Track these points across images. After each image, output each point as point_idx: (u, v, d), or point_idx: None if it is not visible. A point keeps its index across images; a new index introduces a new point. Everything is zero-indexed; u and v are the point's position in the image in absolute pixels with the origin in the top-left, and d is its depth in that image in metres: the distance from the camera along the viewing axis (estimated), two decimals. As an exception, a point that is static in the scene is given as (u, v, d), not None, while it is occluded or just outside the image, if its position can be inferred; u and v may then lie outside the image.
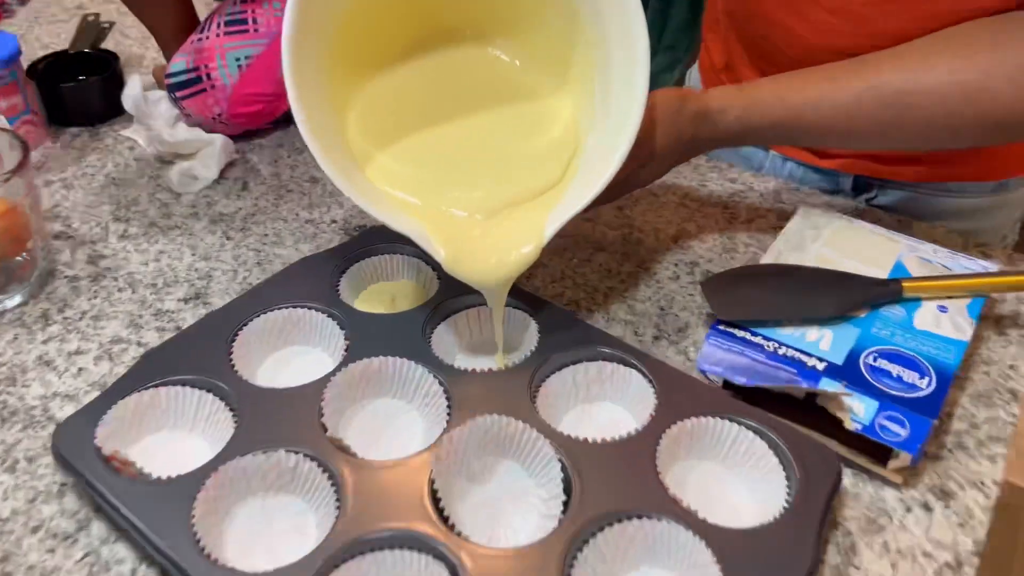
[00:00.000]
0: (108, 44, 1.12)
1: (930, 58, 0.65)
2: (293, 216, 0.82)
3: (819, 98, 0.67)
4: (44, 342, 0.68)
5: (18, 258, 0.71)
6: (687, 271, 0.76)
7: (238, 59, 0.86)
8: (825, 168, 0.89)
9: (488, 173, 0.65)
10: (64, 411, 0.63)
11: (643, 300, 0.73)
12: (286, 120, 0.96)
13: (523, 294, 0.68)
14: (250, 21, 0.87)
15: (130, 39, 1.15)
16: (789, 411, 0.60)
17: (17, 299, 0.72)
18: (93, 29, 0.99)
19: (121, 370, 0.66)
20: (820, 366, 0.61)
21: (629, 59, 0.60)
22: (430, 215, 0.61)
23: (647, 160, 0.67)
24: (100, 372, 0.66)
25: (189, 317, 0.71)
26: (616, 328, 0.70)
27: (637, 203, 0.84)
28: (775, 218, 0.82)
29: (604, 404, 0.63)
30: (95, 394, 0.63)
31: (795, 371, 0.60)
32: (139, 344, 0.68)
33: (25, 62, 0.96)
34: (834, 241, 0.72)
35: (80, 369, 0.66)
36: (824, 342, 0.63)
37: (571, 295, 0.73)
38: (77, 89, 0.93)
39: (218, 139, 0.85)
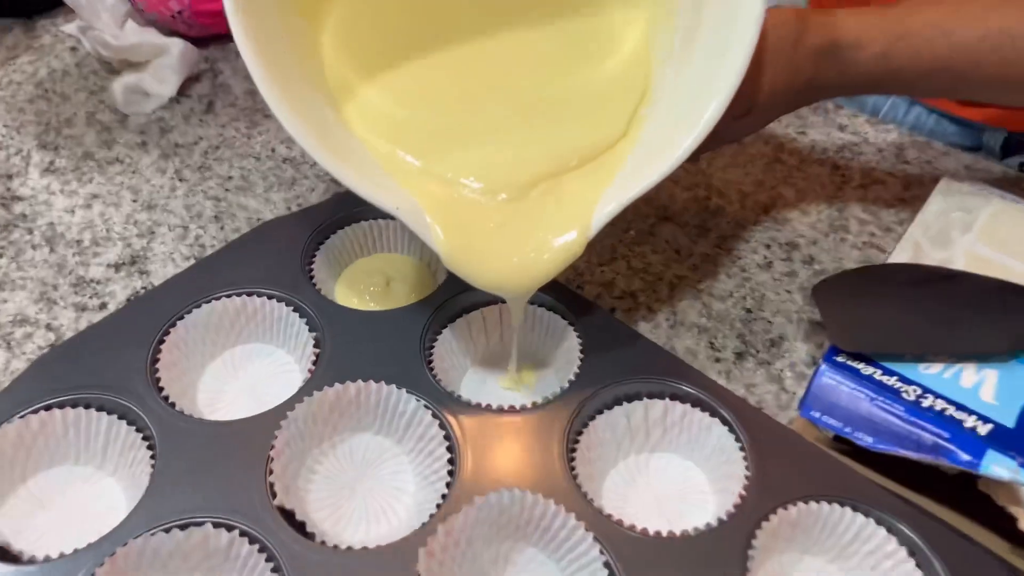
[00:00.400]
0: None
1: None
2: (268, 152, 0.63)
3: (1010, 29, 0.46)
4: (-74, 318, 0.51)
5: None
6: (783, 255, 0.57)
7: None
8: (967, 119, 0.67)
9: (520, 122, 0.46)
10: (-63, 423, 0.46)
11: (723, 296, 0.54)
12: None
13: (559, 289, 0.50)
14: None
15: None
16: (934, 488, 0.43)
17: (-101, 254, 0.55)
18: None
19: (20, 366, 0.49)
20: (983, 429, 0.42)
21: None
22: (430, 188, 0.42)
23: (745, 110, 0.47)
24: (-8, 367, 0.49)
25: (119, 291, 0.53)
26: (686, 337, 0.51)
27: (717, 155, 0.64)
28: (899, 186, 0.62)
29: (667, 456, 0.46)
30: (-18, 400, 0.47)
31: (946, 435, 0.42)
32: (48, 328, 0.51)
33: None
34: (994, 232, 0.52)
35: (-33, 361, 0.49)
36: (986, 390, 0.44)
37: (624, 285, 0.54)
38: (3, -30, 0.73)
39: (176, 45, 0.66)
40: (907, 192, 0.61)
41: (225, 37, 0.74)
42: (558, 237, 0.42)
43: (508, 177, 0.43)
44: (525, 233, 0.42)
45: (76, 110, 0.67)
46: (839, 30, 0.48)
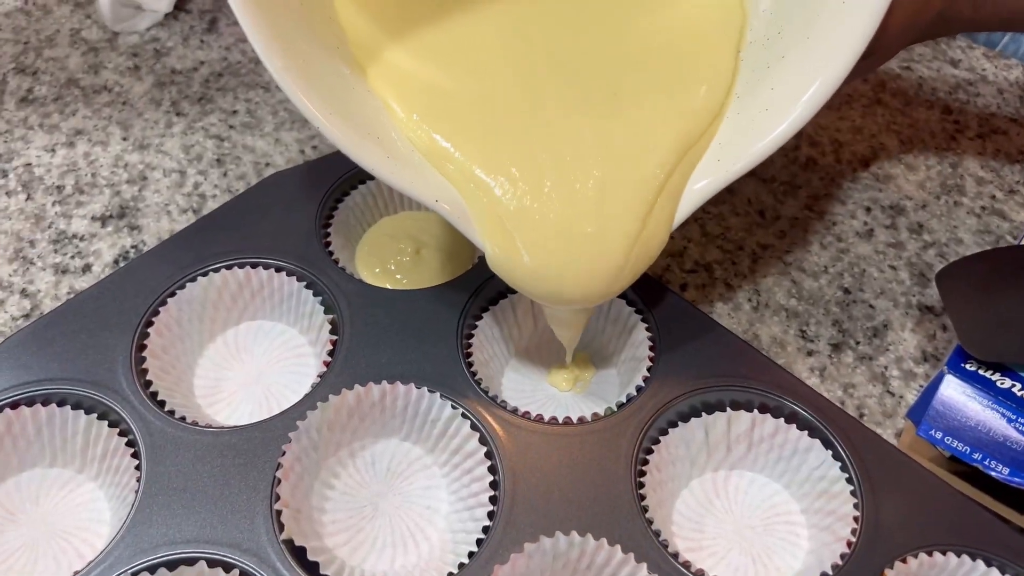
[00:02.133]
0: None
1: None
2: (279, 81, 0.54)
3: None
4: None
5: None
6: (886, 221, 0.48)
7: None
8: None
9: (586, 96, 0.36)
10: None
11: (816, 272, 0.45)
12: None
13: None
14: None
15: None
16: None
17: None
18: None
19: (-10, 340, 0.42)
20: None
21: None
22: (476, 177, 0.33)
23: (869, 50, 0.38)
24: (-42, 341, 0.42)
25: (105, 249, 0.46)
26: (771, 323, 0.43)
27: (805, 93, 0.54)
28: (1027, 136, 0.52)
29: (749, 475, 0.38)
30: (-54, 381, 0.40)
31: (1106, 471, 0.34)
32: (24, 293, 0.44)
33: None
34: None
35: (-70, 333, 0.42)
36: None
37: (699, 255, 0.46)
38: None
39: (172, -51, 0.56)
40: (1035, 144, 0.52)
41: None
42: (636, 254, 0.33)
43: (572, 169, 0.33)
44: (592, 228, 0.33)
45: (59, 27, 0.58)
46: None
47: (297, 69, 0.30)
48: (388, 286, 0.42)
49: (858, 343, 0.43)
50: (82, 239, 0.46)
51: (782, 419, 0.37)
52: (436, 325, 0.39)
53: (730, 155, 0.32)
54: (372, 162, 0.31)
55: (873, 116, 0.53)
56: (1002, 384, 0.37)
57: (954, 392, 0.37)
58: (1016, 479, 0.35)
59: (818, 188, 0.49)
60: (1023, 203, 0.48)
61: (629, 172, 0.33)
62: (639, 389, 0.37)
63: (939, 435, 0.36)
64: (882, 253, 0.46)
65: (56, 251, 0.46)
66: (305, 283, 0.40)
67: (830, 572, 0.33)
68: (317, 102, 0.30)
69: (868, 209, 0.48)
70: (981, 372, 0.37)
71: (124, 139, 0.51)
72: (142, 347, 0.38)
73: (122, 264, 0.44)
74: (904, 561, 0.33)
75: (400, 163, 0.31)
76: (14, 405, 0.36)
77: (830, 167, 0.50)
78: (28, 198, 0.48)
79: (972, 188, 0.49)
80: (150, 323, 0.39)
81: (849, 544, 0.33)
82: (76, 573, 0.32)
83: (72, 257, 0.46)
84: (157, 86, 0.54)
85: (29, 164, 0.50)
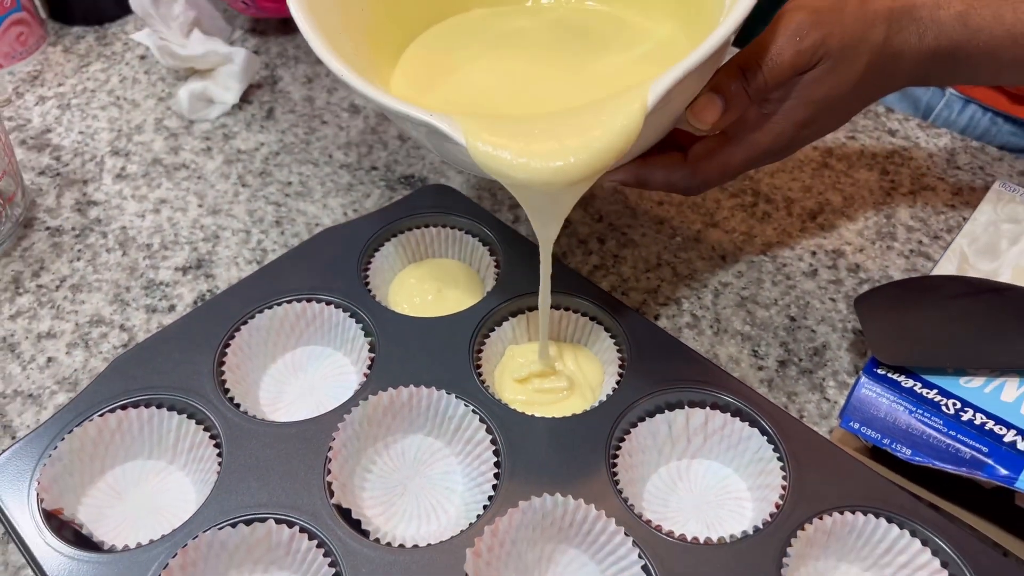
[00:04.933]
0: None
1: None
2: (326, 158, 0.66)
3: None
4: (11, 318, 0.55)
5: (-17, 208, 0.57)
6: (828, 263, 0.57)
7: None
8: None
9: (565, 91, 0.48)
10: (24, 418, 0.50)
11: (767, 304, 0.55)
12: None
13: (601, 295, 0.51)
14: None
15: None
16: (971, 502, 0.43)
17: (-14, 256, 0.59)
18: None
19: (97, 364, 0.52)
20: (1022, 444, 0.43)
21: None
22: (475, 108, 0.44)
23: (822, 94, 0.45)
24: (72, 365, 0.53)
25: (186, 293, 0.56)
26: (729, 344, 0.53)
27: (763, 160, 0.64)
28: (949, 192, 0.62)
29: (707, 462, 0.47)
30: (63, 396, 0.51)
31: (985, 449, 0.43)
32: (122, 328, 0.54)
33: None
34: (1044, 243, 0.52)
35: (49, 359, 0.53)
36: (1029, 404, 0.45)
37: (668, 292, 0.56)
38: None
39: (239, 54, 0.69)
40: (957, 198, 0.61)
41: (287, 37, 0.77)
42: (613, 114, 0.37)
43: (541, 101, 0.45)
44: (574, 120, 0.38)
45: (145, 117, 0.70)
46: None
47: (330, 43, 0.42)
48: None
49: (801, 360, 0.52)
50: (167, 285, 0.57)
51: (728, 414, 0.46)
52: (452, 343, 0.49)
53: (688, 57, 0.37)
54: (372, 91, 0.40)
55: (820, 177, 0.63)
56: (906, 384, 0.46)
57: (868, 392, 0.46)
58: (917, 458, 0.43)
59: (771, 237, 0.59)
60: (945, 246, 0.58)
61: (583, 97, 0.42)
62: (613, 391, 0.47)
63: (857, 426, 0.45)
64: (824, 288, 0.56)
65: (147, 295, 0.57)
66: (349, 313, 0.51)
67: (760, 525, 0.41)
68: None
69: (813, 253, 0.58)
70: (890, 375, 0.46)
71: (200, 206, 0.62)
72: (221, 363, 0.48)
73: (200, 304, 0.55)
74: (821, 518, 0.41)
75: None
76: (123, 408, 0.46)
77: (782, 219, 0.60)
78: (124, 254, 0.59)
79: (903, 235, 0.59)
80: (227, 345, 0.49)
81: (777, 506, 0.42)
82: (173, 529, 0.42)
83: (160, 299, 0.56)
84: (226, 163, 0.66)
85: (124, 227, 0.61)
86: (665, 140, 0.48)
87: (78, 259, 0.59)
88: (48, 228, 0.61)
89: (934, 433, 0.44)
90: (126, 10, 0.79)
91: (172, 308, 0.56)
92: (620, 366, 0.48)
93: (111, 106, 0.71)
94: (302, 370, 0.51)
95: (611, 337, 0.50)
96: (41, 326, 0.55)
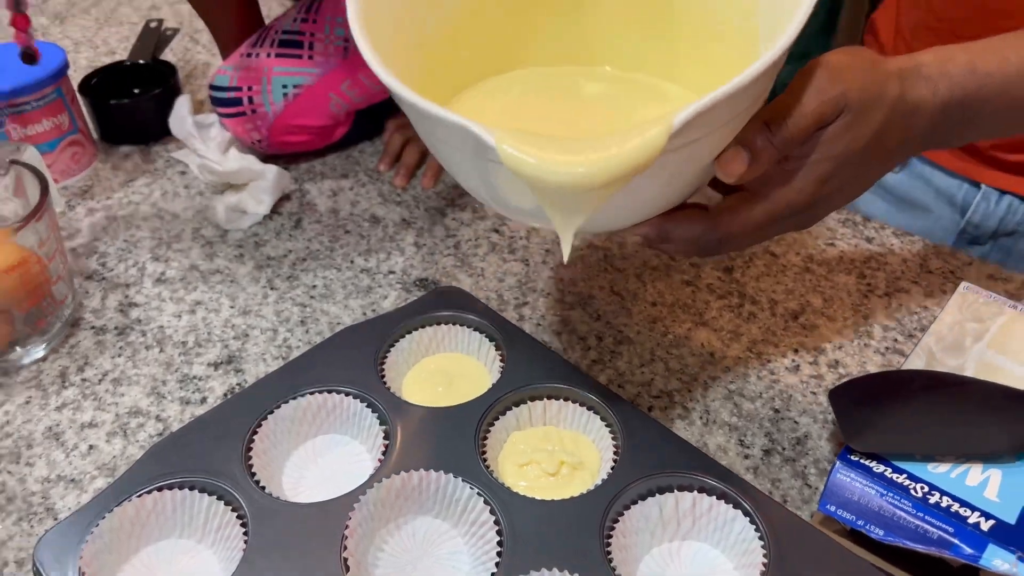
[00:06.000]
0: (176, 50, 1.05)
1: None
2: (348, 263, 0.72)
3: None
4: (57, 409, 0.60)
5: (37, 308, 0.63)
6: (810, 360, 0.62)
7: (285, 87, 0.76)
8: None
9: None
10: (65, 501, 0.54)
11: (753, 397, 0.59)
12: (356, 139, 0.86)
13: (598, 387, 0.56)
14: (305, 46, 0.77)
15: (199, 44, 1.07)
16: (941, 580, 0.47)
17: (37, 353, 0.64)
18: (153, 36, 0.92)
19: (135, 451, 0.57)
20: (985, 525, 0.46)
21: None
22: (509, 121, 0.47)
23: (843, 147, 0.46)
24: (111, 452, 0.57)
25: (217, 387, 0.61)
26: (717, 434, 0.57)
27: (750, 264, 0.70)
28: (922, 294, 0.67)
29: (696, 544, 0.50)
30: (101, 481, 0.55)
31: (951, 530, 0.46)
32: (158, 419, 0.59)
33: (86, 71, 0.89)
34: (1004, 341, 0.57)
35: (90, 447, 0.58)
36: (991, 488, 0.48)
37: (662, 384, 0.60)
38: (128, 107, 0.85)
39: (272, 171, 0.76)
40: (929, 299, 0.66)
41: (315, 154, 0.84)
42: (639, 134, 0.39)
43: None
44: (601, 137, 0.40)
45: (184, 227, 0.77)
46: (916, 55, 0.49)
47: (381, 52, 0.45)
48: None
49: (784, 449, 0.56)
50: (200, 379, 0.62)
51: (715, 497, 0.49)
52: (460, 431, 0.53)
53: (715, 89, 0.39)
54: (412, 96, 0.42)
55: (802, 280, 0.68)
56: (877, 469, 0.50)
57: (843, 477, 0.50)
58: (889, 538, 0.47)
59: (757, 335, 0.64)
60: (917, 343, 0.62)
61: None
62: (608, 475, 0.51)
63: (834, 509, 0.49)
64: (806, 383, 0.60)
65: (181, 388, 0.62)
66: (366, 404, 0.55)
67: (741, 600, 0.45)
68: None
69: (796, 350, 0.63)
70: (862, 461, 0.50)
71: (231, 307, 0.68)
72: (248, 450, 0.53)
73: (230, 396, 0.60)
74: (798, 593, 0.44)
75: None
76: (159, 489, 0.51)
77: (767, 319, 0.65)
78: (161, 351, 0.65)
79: (879, 333, 0.64)
80: (255, 433, 0.54)
81: (758, 581, 0.45)
82: (202, 602, 0.46)
83: (193, 392, 0.61)
84: (257, 268, 0.72)
85: (162, 326, 0.67)
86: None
87: (119, 355, 0.64)
88: (93, 327, 0.67)
89: (904, 515, 0.47)
90: (168, 131, 0.87)
91: (204, 400, 0.61)
92: (615, 452, 0.52)
93: (153, 217, 0.78)
94: (321, 456, 0.56)
95: (607, 426, 0.54)
96: (84, 416, 0.60)
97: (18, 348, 0.63)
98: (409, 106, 0.42)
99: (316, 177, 0.82)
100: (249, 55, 0.78)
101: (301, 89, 0.76)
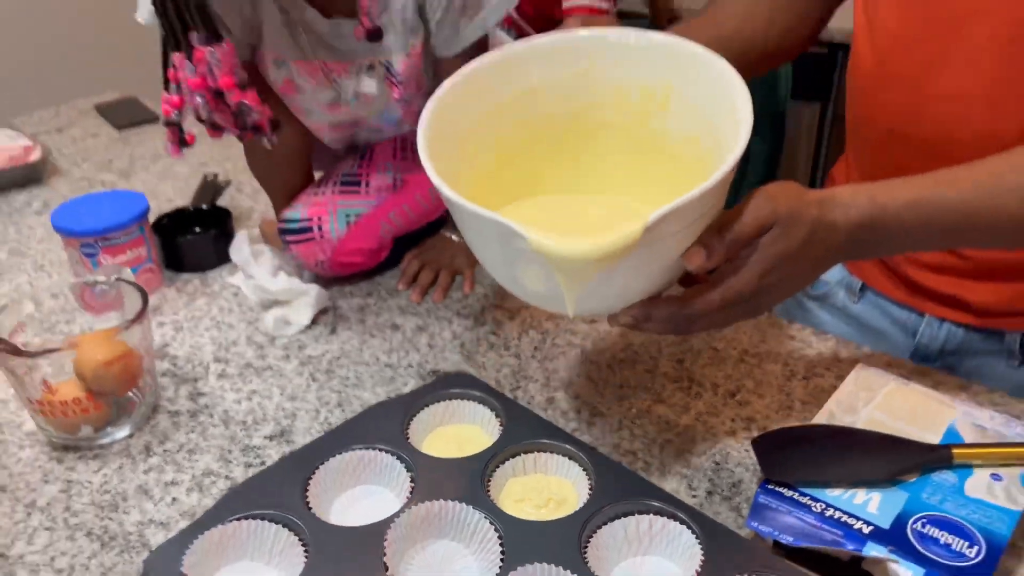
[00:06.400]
0: (224, 198, 1.25)
1: None
2: (374, 360, 0.89)
3: (955, 176, 0.65)
4: (145, 472, 0.75)
5: (129, 394, 0.79)
6: (743, 426, 0.78)
7: (348, 215, 0.96)
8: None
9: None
10: (157, 538, 0.69)
11: (699, 454, 0.75)
12: (379, 270, 1.05)
13: (580, 444, 0.72)
14: (363, 184, 0.97)
15: (243, 193, 1.28)
16: (835, 571, 0.61)
17: (125, 431, 0.80)
18: (212, 187, 1.12)
19: (209, 502, 0.72)
20: (866, 529, 0.62)
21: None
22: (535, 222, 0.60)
23: (777, 251, 0.62)
24: (191, 503, 0.72)
25: (273, 453, 0.77)
26: (671, 481, 0.72)
27: (698, 357, 0.87)
28: (833, 377, 0.84)
29: (654, 558, 0.65)
30: (184, 523, 0.70)
31: (841, 533, 0.61)
32: (227, 478, 0.74)
33: (152, 215, 1.09)
34: (887, 404, 0.74)
35: (174, 499, 0.72)
36: (872, 505, 0.64)
37: (628, 445, 0.76)
38: (193, 243, 1.05)
39: (313, 289, 0.94)
40: (839, 381, 0.83)
41: (346, 279, 1.03)
42: (626, 226, 0.56)
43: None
44: (596, 225, 0.61)
45: (239, 335, 0.94)
46: (832, 189, 0.64)
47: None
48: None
49: (723, 491, 0.71)
50: (259, 448, 0.78)
51: (665, 517, 0.65)
52: (470, 475, 0.69)
53: (674, 203, 0.56)
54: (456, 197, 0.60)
55: (738, 368, 0.86)
56: (788, 494, 0.65)
57: (763, 500, 0.65)
58: (797, 543, 0.62)
59: (702, 409, 0.80)
60: (829, 414, 0.79)
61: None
62: (584, 504, 0.66)
63: (756, 524, 0.64)
64: (741, 443, 0.76)
65: (243, 455, 0.77)
66: (396, 457, 0.71)
67: (685, 587, 0.59)
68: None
69: (733, 420, 0.79)
70: (777, 489, 0.66)
71: (281, 394, 0.85)
72: (305, 492, 0.68)
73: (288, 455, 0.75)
74: (727, 580, 0.59)
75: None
76: (237, 520, 0.65)
77: (710, 397, 0.82)
78: (225, 428, 0.80)
79: (798, 407, 0.80)
80: (308, 480, 0.69)
81: (696, 574, 0.60)
82: (276, 597, 0.60)
83: (253, 458, 0.77)
84: (300, 365, 0.89)
85: (226, 410, 0.83)
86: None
87: (192, 431, 0.80)
88: (169, 412, 0.83)
89: (807, 526, 0.63)
90: (222, 261, 1.06)
91: (263, 463, 0.76)
92: (590, 489, 0.68)
93: (212, 328, 0.95)
94: (360, 502, 0.71)
95: (583, 471, 0.70)
96: (167, 477, 0.75)
97: (109, 427, 0.79)
98: (467, 213, 0.59)
99: (347, 295, 1.01)
100: (315, 194, 0.98)
101: (360, 216, 0.96)
